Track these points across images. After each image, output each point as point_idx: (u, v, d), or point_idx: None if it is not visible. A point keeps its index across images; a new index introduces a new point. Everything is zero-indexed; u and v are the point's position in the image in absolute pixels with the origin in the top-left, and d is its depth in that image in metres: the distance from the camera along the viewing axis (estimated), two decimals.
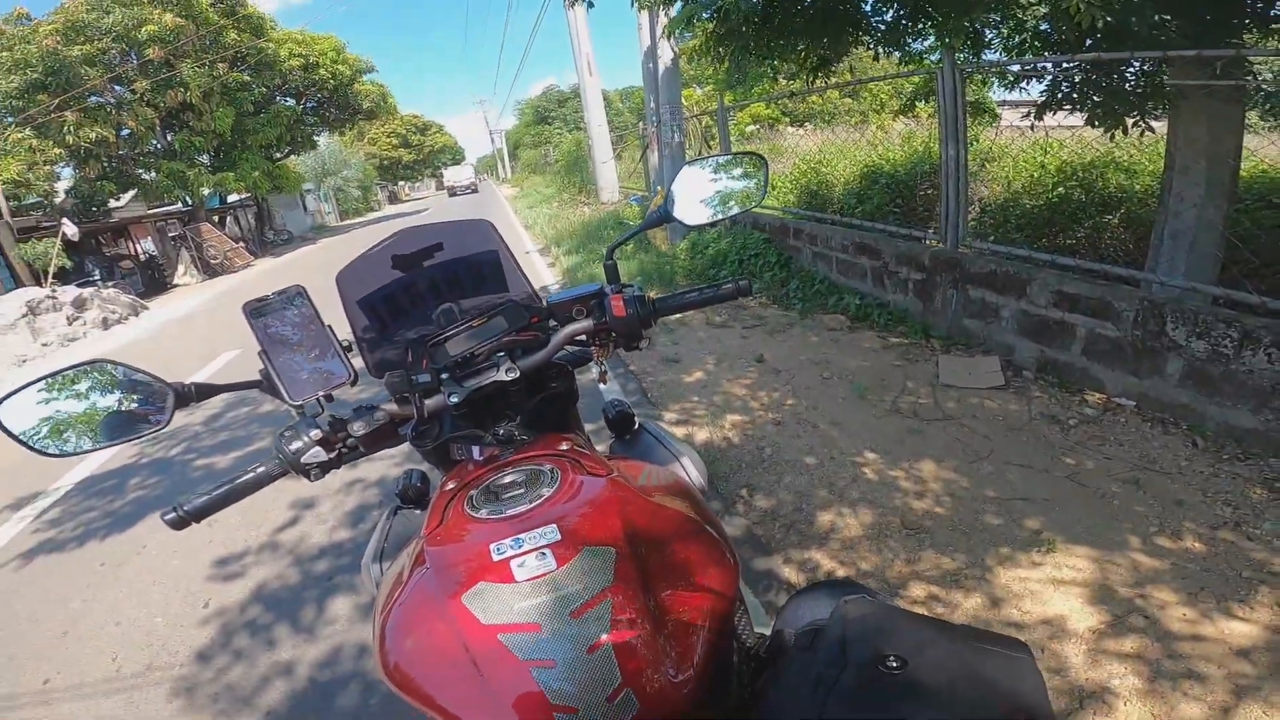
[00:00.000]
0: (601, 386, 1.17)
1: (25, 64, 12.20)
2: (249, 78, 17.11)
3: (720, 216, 1.03)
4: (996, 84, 4.07)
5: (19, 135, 11.97)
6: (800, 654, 0.55)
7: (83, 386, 0.79)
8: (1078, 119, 3.21)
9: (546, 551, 0.59)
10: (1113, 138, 3.10)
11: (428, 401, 0.84)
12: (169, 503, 0.77)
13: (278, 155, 20.11)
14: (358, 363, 0.92)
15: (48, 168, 12.60)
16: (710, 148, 7.82)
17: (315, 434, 0.78)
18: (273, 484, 0.81)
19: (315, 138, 23.34)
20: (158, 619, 2.23)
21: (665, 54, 7.31)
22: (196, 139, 15.58)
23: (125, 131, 14.33)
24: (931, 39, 3.74)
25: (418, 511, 0.98)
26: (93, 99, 13.41)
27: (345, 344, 0.89)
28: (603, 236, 8.27)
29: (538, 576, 0.57)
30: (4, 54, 12.22)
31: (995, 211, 4.60)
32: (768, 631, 0.73)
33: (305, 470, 0.79)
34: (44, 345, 8.29)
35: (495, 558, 0.59)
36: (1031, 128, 3.57)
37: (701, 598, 0.61)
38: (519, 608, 0.55)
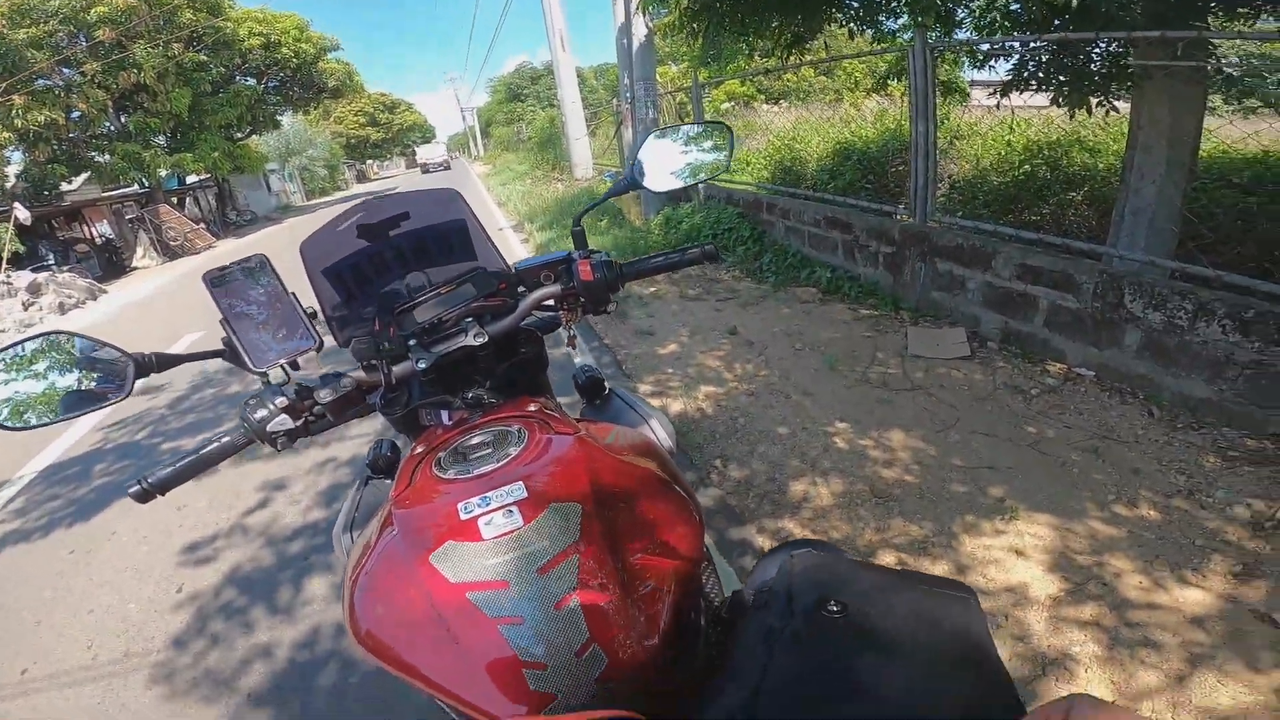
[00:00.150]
0: (570, 351, 1.18)
1: None
2: (206, 58, 16.54)
3: (687, 184, 1.04)
4: (968, 64, 4.10)
5: None
6: (755, 611, 0.57)
7: (40, 359, 0.77)
8: (1045, 99, 3.27)
9: (513, 509, 0.59)
10: (1072, 115, 3.16)
11: (396, 369, 0.83)
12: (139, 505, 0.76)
13: (238, 135, 19.57)
14: (324, 334, 0.91)
15: None
16: None
17: (281, 402, 0.77)
18: (239, 457, 0.80)
19: (278, 117, 22.76)
20: (131, 605, 2.20)
21: (640, 30, 7.21)
22: (152, 120, 15.01)
23: (76, 114, 13.79)
24: (904, 17, 3.76)
25: (388, 481, 0.97)
26: (40, 82, 12.85)
27: (310, 311, 0.87)
28: (576, 212, 8.20)
29: (505, 534, 0.57)
30: None
31: (964, 188, 4.66)
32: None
33: (272, 439, 0.77)
34: (0, 331, 8.02)
35: (463, 516, 0.59)
36: (998, 105, 3.62)
37: (668, 553, 0.61)
38: (487, 565, 0.55)
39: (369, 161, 54.06)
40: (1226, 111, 3.26)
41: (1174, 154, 2.77)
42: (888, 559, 1.86)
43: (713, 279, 4.88)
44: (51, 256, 12.07)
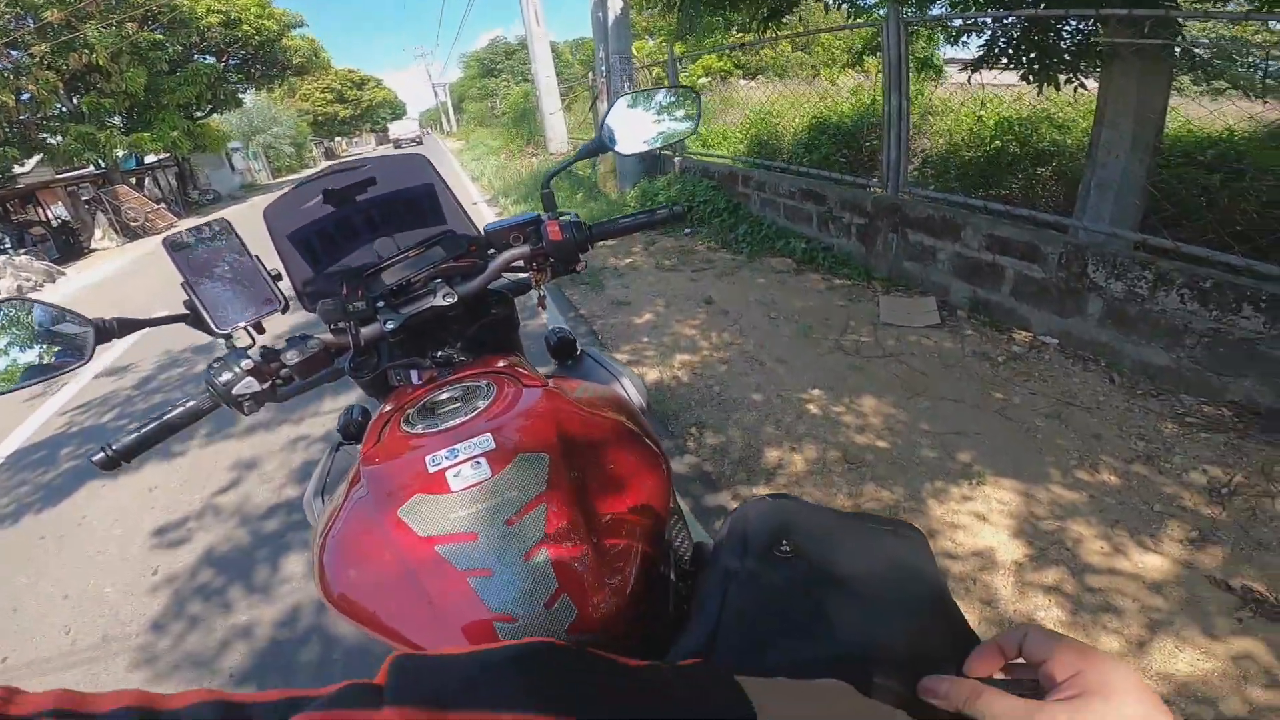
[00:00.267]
0: (541, 311, 1.18)
1: None
2: (162, 36, 15.87)
3: (655, 147, 1.04)
4: (944, 41, 4.12)
5: None
6: (715, 558, 0.57)
7: None
8: (1016, 76, 3.30)
9: (481, 460, 0.59)
10: (1040, 90, 3.20)
11: (364, 330, 0.82)
12: (103, 474, 0.73)
13: (198, 114, 18.98)
14: (290, 298, 0.89)
15: None
16: None
17: (246, 364, 0.75)
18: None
19: (240, 95, 22.07)
20: (107, 589, 2.17)
21: (615, 3, 7.10)
22: (106, 101, 14.42)
23: (26, 96, 13.21)
24: None
25: (359, 446, 0.97)
26: None
27: (274, 274, 0.85)
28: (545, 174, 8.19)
29: (473, 485, 0.57)
30: None
31: (936, 162, 4.73)
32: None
33: (238, 402, 0.76)
34: None
35: (431, 469, 0.59)
36: (968, 81, 3.64)
37: (636, 505, 0.61)
38: (455, 517, 0.55)
39: (338, 139, 53.00)
40: (1195, 93, 3.33)
41: (1140, 131, 2.83)
42: None
43: (689, 250, 4.88)
44: (7, 240, 11.61)
